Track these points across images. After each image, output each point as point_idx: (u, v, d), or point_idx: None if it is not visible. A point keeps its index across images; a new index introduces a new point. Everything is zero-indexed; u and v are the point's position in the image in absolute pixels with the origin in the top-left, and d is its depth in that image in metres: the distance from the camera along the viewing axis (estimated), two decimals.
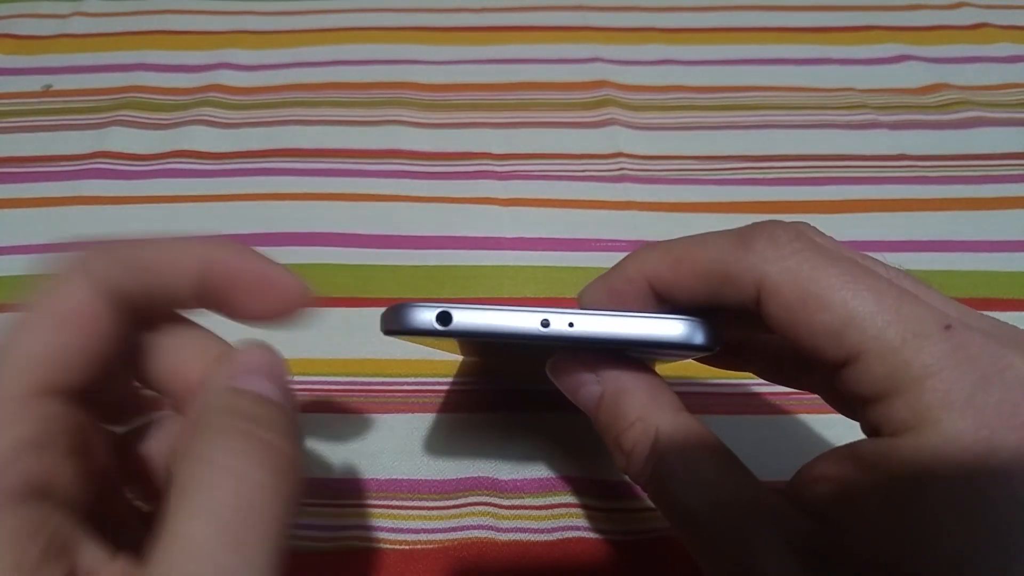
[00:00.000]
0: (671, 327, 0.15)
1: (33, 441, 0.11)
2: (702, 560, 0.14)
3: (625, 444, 0.15)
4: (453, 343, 0.19)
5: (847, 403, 0.16)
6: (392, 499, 0.22)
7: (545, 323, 0.15)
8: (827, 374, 0.13)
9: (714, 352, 0.15)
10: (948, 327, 0.12)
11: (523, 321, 0.15)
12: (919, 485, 0.11)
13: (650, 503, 0.22)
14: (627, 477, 0.16)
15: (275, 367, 0.14)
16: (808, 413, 0.24)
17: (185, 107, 0.35)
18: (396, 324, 0.15)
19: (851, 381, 0.13)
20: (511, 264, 0.28)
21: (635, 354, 0.17)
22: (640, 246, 0.17)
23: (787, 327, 0.13)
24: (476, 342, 0.18)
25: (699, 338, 0.15)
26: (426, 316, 0.15)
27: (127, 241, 0.14)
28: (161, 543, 0.11)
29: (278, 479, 0.12)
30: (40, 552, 0.10)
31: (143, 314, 0.14)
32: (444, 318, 0.15)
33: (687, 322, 0.15)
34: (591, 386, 0.16)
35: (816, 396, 0.18)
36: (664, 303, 0.16)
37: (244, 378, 0.14)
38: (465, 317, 0.15)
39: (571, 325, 0.15)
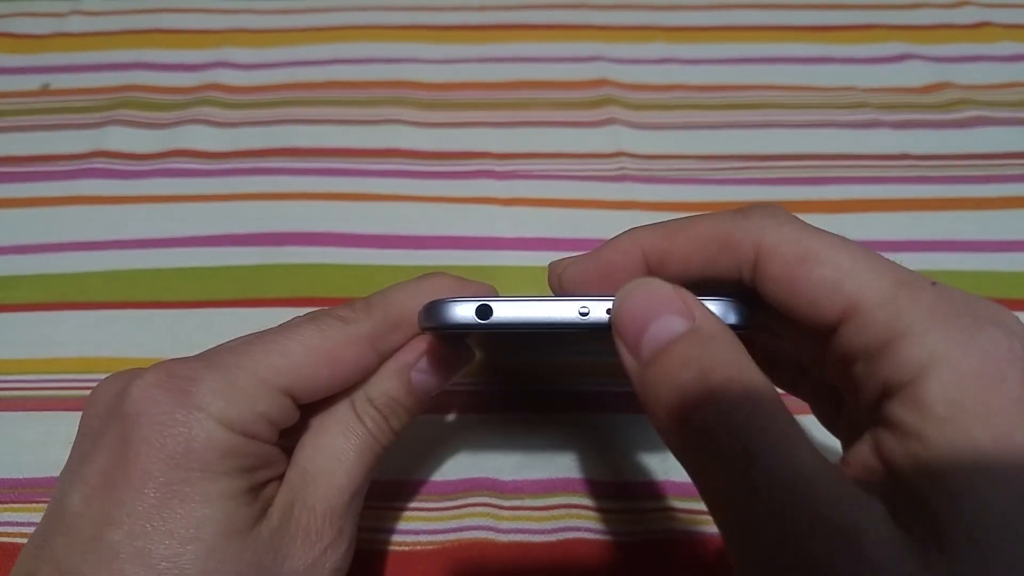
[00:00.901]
0: (713, 308, 0.15)
1: (266, 416, 0.16)
2: (767, 534, 0.12)
3: (707, 389, 0.13)
4: (480, 341, 0.19)
5: (833, 401, 0.16)
6: (393, 500, 0.22)
7: (584, 312, 0.15)
8: (823, 339, 0.14)
9: (745, 331, 0.15)
10: (934, 283, 0.13)
11: (562, 311, 0.15)
12: (964, 436, 0.11)
13: (649, 504, 0.22)
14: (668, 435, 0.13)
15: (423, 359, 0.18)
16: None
17: (183, 106, 0.35)
18: (436, 320, 0.15)
19: (852, 335, 0.13)
20: (511, 264, 0.28)
21: None
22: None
23: (786, 284, 0.14)
24: (508, 336, 0.18)
25: (733, 317, 0.15)
26: (466, 311, 0.15)
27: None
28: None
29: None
30: (253, 460, 0.15)
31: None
32: (484, 311, 0.15)
33: (721, 302, 0.15)
34: (673, 319, 0.13)
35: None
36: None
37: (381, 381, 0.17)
38: (505, 310, 0.15)
39: (608, 312, 0.15)
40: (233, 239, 0.29)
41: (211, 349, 0.16)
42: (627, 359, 0.14)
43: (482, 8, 0.40)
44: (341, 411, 0.17)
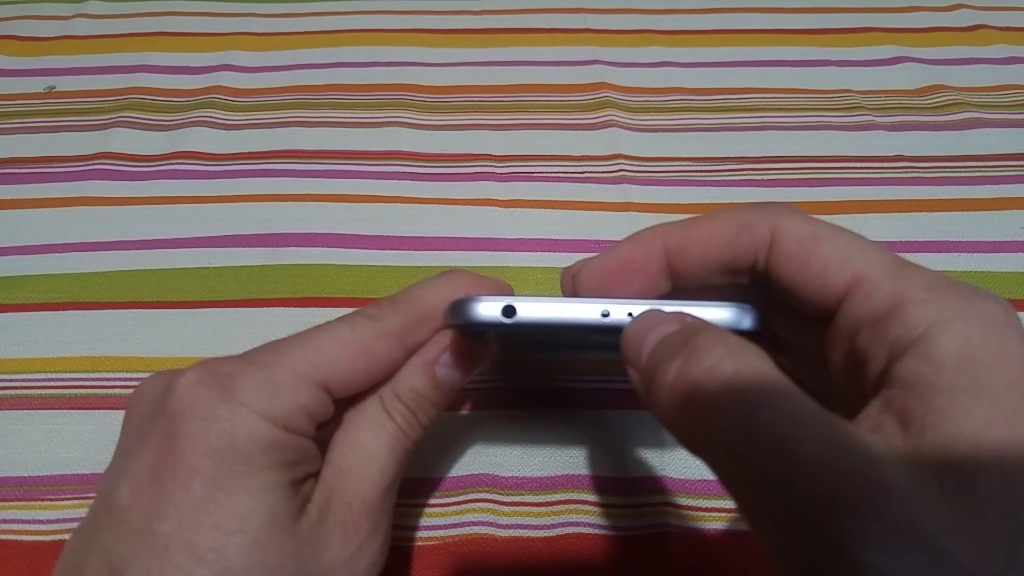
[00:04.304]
0: (722, 312, 0.16)
1: (305, 409, 0.16)
2: (789, 505, 0.11)
3: (698, 362, 0.13)
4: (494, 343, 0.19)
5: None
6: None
7: (605, 313, 0.16)
8: (824, 322, 0.14)
9: (759, 336, 0.16)
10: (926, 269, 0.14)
11: (584, 312, 0.16)
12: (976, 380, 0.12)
13: (647, 499, 0.22)
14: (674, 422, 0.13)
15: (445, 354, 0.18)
16: None
17: (187, 108, 0.35)
18: (462, 317, 0.16)
19: (858, 302, 0.14)
20: (511, 265, 0.29)
21: None
22: None
23: (798, 258, 0.15)
24: (528, 335, 0.18)
25: (747, 322, 0.16)
26: (492, 309, 0.16)
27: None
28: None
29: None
30: (295, 455, 0.16)
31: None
32: (509, 311, 0.16)
33: (736, 307, 0.16)
34: (665, 326, 0.14)
35: None
36: (672, 275, 0.17)
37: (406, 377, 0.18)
38: (529, 309, 0.16)
39: (630, 315, 0.16)
40: (237, 240, 0.30)
41: (248, 350, 0.17)
42: (634, 376, 0.15)
43: (482, 12, 0.41)
44: (371, 408, 0.18)
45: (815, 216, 0.16)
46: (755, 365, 0.13)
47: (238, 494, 0.15)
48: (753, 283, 0.16)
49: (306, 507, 0.16)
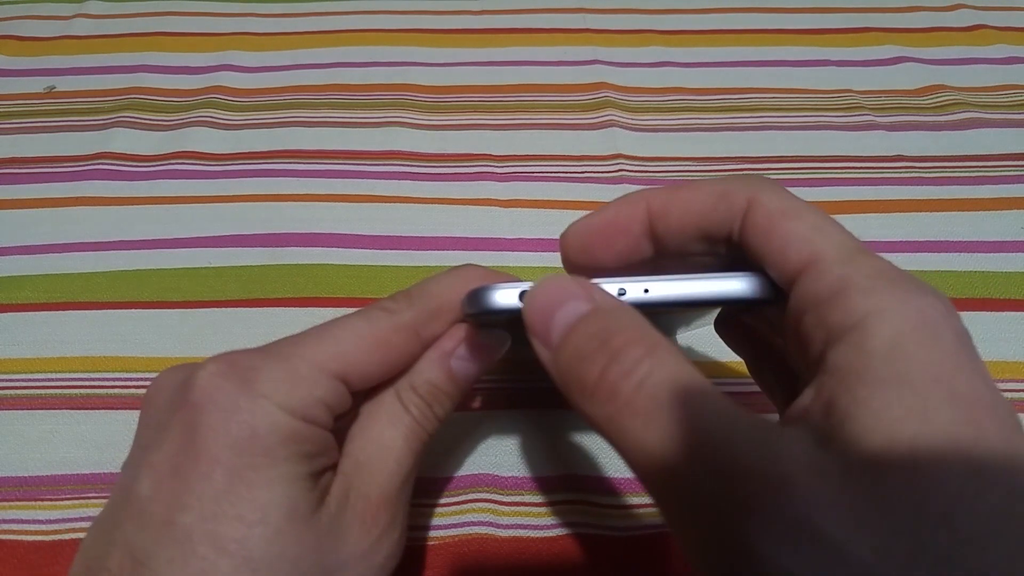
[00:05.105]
0: (739, 283, 0.16)
1: (324, 400, 0.16)
2: (696, 496, 0.12)
3: (619, 367, 0.13)
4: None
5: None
6: None
7: (622, 292, 0.16)
8: (786, 288, 0.15)
9: (776, 303, 0.16)
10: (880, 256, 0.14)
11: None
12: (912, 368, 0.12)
13: (646, 499, 0.22)
14: (591, 413, 0.13)
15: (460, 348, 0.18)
16: None
17: (187, 108, 0.35)
18: (480, 305, 0.16)
19: (808, 283, 0.14)
20: (511, 265, 0.29)
21: (682, 316, 0.17)
22: None
23: (764, 232, 0.15)
24: None
25: (763, 291, 0.16)
26: (509, 296, 0.16)
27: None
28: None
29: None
30: (313, 447, 0.16)
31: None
32: (525, 296, 0.16)
33: (751, 277, 0.16)
34: (575, 304, 0.14)
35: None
36: (654, 238, 0.17)
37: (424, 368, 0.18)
38: None
39: (646, 291, 0.16)
40: (237, 240, 0.30)
41: (266, 343, 0.17)
42: (542, 352, 0.15)
43: (482, 12, 0.41)
44: (387, 401, 0.18)
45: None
46: (670, 365, 0.13)
47: (259, 485, 0.15)
48: (729, 254, 0.16)
49: (325, 499, 0.16)
